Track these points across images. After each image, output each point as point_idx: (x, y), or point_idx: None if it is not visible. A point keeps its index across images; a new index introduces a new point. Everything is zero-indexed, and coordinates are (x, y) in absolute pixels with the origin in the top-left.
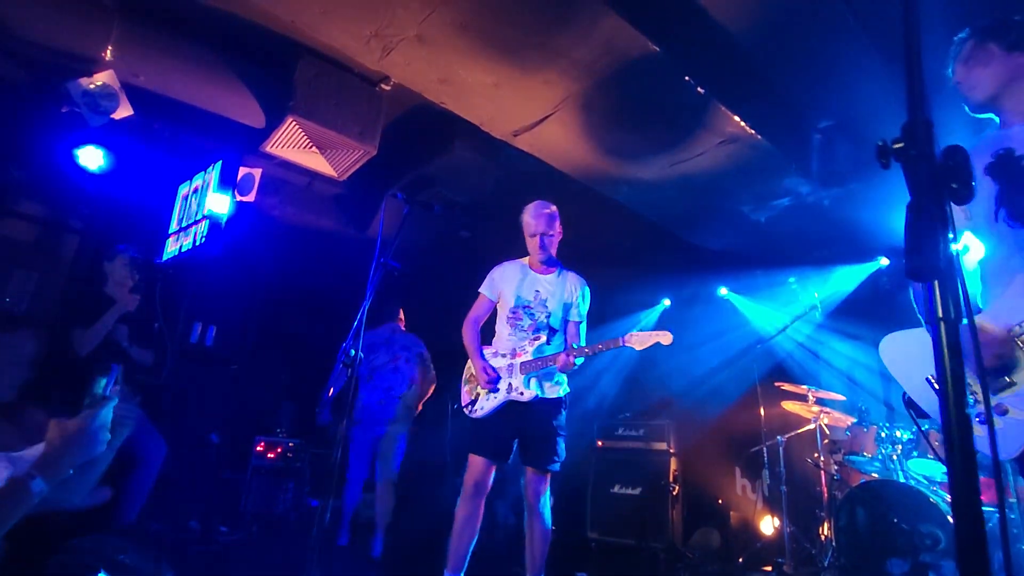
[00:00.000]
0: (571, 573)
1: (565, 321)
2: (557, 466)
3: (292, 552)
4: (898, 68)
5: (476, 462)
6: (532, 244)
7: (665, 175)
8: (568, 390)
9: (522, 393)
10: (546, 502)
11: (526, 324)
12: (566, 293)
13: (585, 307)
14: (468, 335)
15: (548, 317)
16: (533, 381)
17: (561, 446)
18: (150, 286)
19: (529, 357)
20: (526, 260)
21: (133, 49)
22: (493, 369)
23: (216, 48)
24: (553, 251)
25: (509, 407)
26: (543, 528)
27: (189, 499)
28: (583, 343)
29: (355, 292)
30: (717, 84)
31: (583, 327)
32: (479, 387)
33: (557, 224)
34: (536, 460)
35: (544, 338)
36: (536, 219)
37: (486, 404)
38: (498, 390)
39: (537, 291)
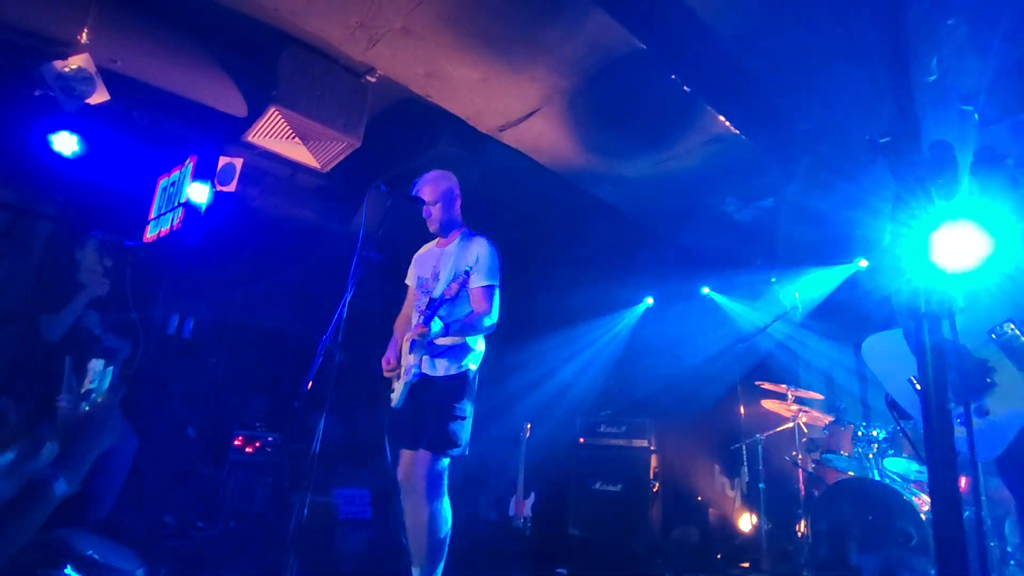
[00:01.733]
0: (551, 569)
1: (461, 288)
2: (439, 449)
3: (270, 548)
4: (880, 70)
5: (398, 455)
6: None
7: (649, 173)
8: (471, 368)
9: (408, 372)
10: (434, 487)
11: (423, 303)
12: (462, 260)
13: (485, 269)
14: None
15: (437, 288)
16: (424, 359)
17: (447, 428)
18: (121, 270)
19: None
20: None
21: (111, 33)
22: (394, 356)
23: (198, 35)
24: (440, 218)
25: (411, 391)
26: (419, 516)
27: (164, 494)
28: (487, 310)
29: (337, 285)
30: (703, 83)
31: (492, 293)
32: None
33: (435, 192)
34: (409, 438)
35: (429, 312)
36: (418, 194)
37: (395, 394)
38: (399, 376)
39: (434, 266)
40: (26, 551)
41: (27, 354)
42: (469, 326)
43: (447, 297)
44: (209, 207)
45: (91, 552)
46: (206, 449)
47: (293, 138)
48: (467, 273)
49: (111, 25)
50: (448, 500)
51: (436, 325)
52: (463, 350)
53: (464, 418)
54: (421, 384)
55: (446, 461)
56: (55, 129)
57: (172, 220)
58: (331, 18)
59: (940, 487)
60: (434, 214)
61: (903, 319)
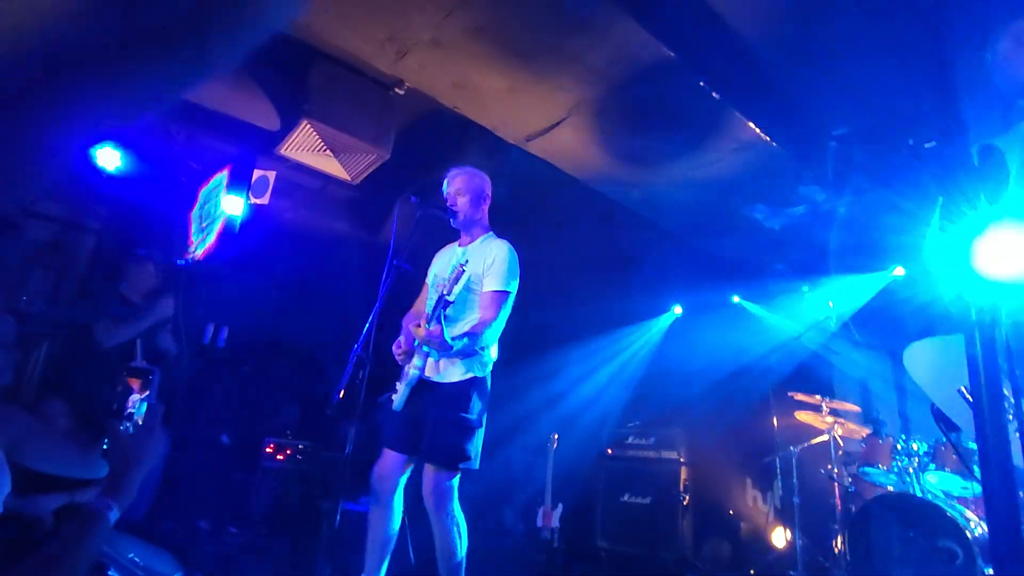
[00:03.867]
0: None
1: (468, 291)
2: (447, 463)
3: (301, 554)
4: (916, 75)
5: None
6: None
7: (678, 181)
8: (478, 374)
9: (409, 374)
10: (443, 503)
11: (433, 301)
12: (479, 263)
13: (500, 273)
14: None
15: (445, 289)
16: (429, 362)
17: (453, 439)
18: (175, 288)
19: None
20: None
21: None
22: (407, 343)
23: None
24: (466, 212)
25: (411, 394)
26: (438, 533)
27: (199, 499)
28: (493, 317)
29: (367, 295)
30: (732, 90)
31: (502, 300)
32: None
33: (466, 184)
34: (400, 441)
35: (434, 313)
36: (449, 183)
37: (397, 395)
38: (405, 374)
39: (453, 265)
40: None
41: (77, 358)
42: (472, 337)
43: (455, 300)
44: (244, 219)
45: (132, 555)
46: (239, 456)
47: (324, 151)
48: (480, 277)
49: None
50: (462, 517)
51: (439, 345)
52: (471, 356)
53: (472, 428)
54: (422, 388)
55: (456, 476)
56: (98, 144)
57: (211, 235)
58: (361, 32)
59: (997, 506)
60: (459, 204)
61: (950, 327)
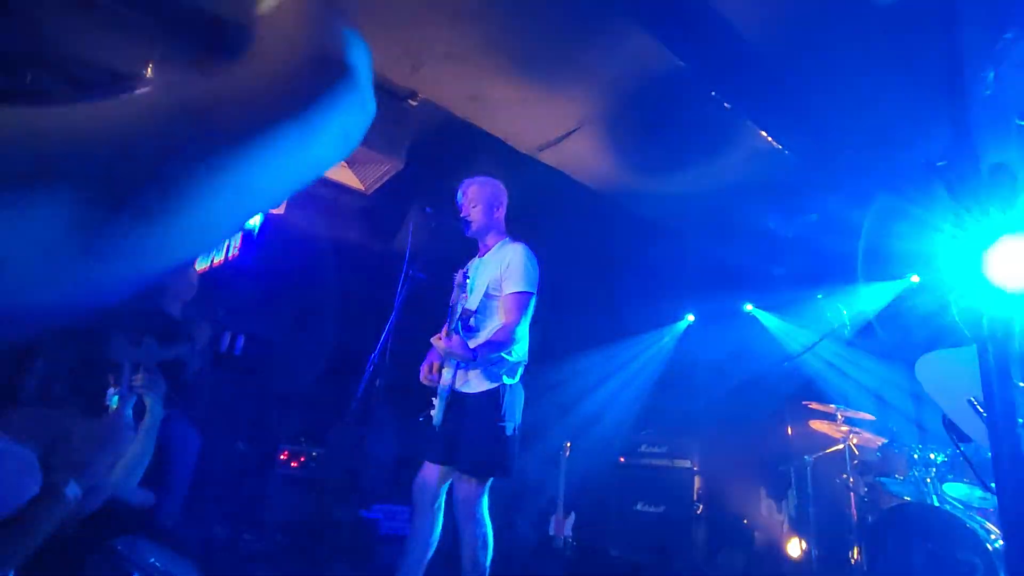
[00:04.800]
0: None
1: (488, 298)
2: (482, 473)
3: (314, 561)
4: (928, 85)
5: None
6: None
7: (691, 190)
8: (507, 381)
9: (443, 388)
10: (473, 512)
11: (451, 313)
12: (496, 269)
13: (518, 274)
14: None
15: (463, 299)
16: (459, 374)
17: (487, 448)
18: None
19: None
20: None
21: (173, 66)
22: (434, 362)
23: None
24: (480, 221)
25: (447, 408)
26: (466, 541)
27: (215, 506)
28: (516, 320)
29: (382, 304)
30: (744, 99)
31: (524, 301)
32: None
33: (479, 193)
34: (438, 453)
35: (452, 324)
36: (463, 193)
37: (435, 411)
38: (440, 389)
39: (470, 275)
40: (93, 559)
41: (84, 366)
42: (495, 344)
43: (474, 310)
44: (260, 229)
45: (154, 560)
46: (253, 463)
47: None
48: (498, 282)
49: (173, 59)
50: (491, 526)
51: (462, 355)
52: (497, 363)
53: (506, 436)
54: (454, 400)
55: (487, 485)
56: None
57: (228, 246)
58: (376, 46)
59: (1012, 519)
60: (473, 215)
61: (960, 338)
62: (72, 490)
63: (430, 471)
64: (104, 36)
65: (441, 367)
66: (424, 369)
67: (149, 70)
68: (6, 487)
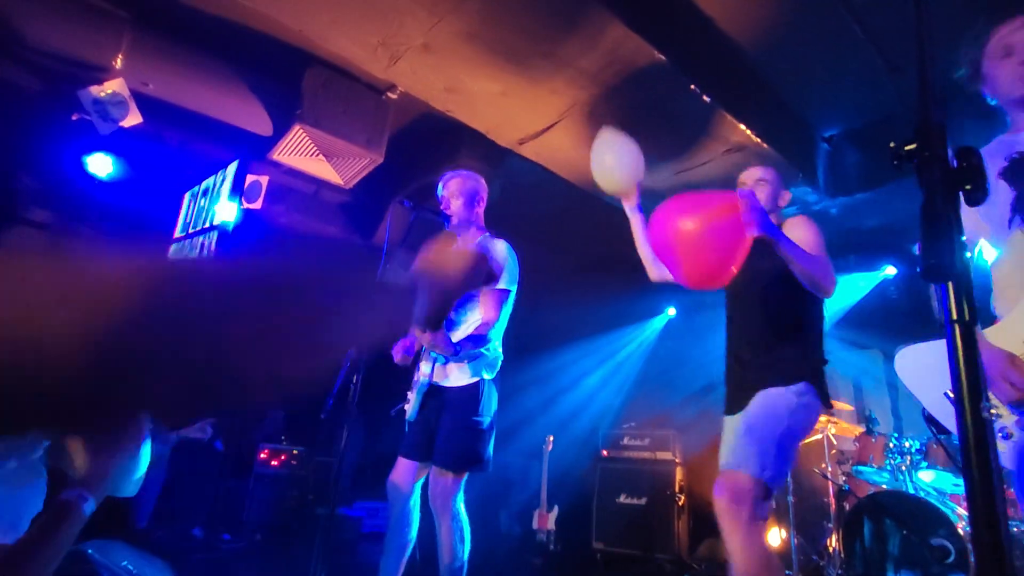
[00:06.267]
0: None
1: (468, 293)
2: (459, 467)
3: (295, 560)
4: (903, 76)
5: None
6: None
7: (670, 183)
8: (485, 376)
9: (419, 381)
10: (449, 506)
11: None
12: None
13: (498, 272)
14: None
15: None
16: (437, 367)
17: (465, 443)
18: None
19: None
20: None
21: (143, 58)
22: (408, 345)
23: (225, 57)
24: (460, 215)
25: (423, 401)
26: (442, 535)
27: (192, 507)
28: (496, 315)
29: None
30: (723, 93)
31: (502, 298)
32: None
33: (459, 186)
34: (416, 449)
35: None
36: (444, 186)
37: (409, 405)
38: (415, 382)
39: None
40: (62, 565)
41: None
42: (477, 339)
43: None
44: (236, 225)
45: (126, 563)
46: (232, 462)
47: (317, 155)
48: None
49: (144, 50)
50: (467, 520)
51: (444, 349)
52: (477, 358)
53: (483, 431)
54: (431, 393)
55: (464, 479)
56: (90, 151)
57: (203, 244)
58: (353, 37)
59: (979, 503)
60: (453, 208)
61: (937, 330)
62: (90, 507)
63: (404, 467)
64: (75, 28)
65: (416, 360)
66: (397, 348)
67: (119, 61)
68: (20, 503)
